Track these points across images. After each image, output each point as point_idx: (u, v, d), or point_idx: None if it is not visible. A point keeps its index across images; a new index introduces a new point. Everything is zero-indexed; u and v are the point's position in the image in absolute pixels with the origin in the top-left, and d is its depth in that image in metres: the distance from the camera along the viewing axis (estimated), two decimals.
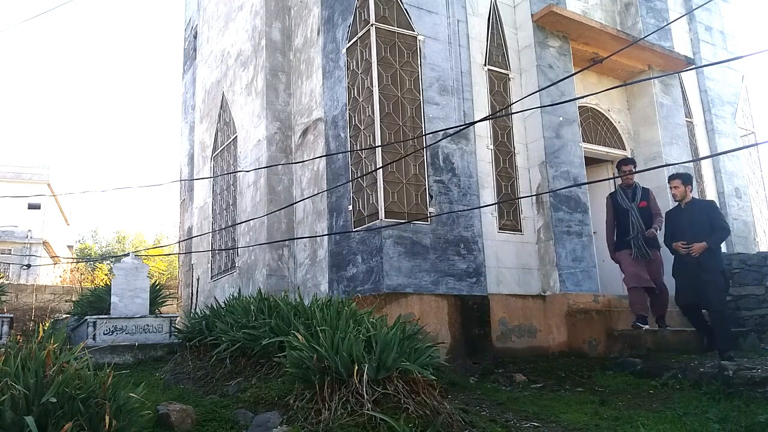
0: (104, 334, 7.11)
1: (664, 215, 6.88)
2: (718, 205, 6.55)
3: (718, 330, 5.86)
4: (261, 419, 3.92)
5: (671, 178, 6.32)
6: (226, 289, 9.49)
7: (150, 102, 74.41)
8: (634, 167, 7.13)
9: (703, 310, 6.24)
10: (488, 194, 7.43)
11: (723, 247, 9.62)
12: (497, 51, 8.08)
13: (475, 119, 7.27)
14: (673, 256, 6.51)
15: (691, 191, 6.19)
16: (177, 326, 7.40)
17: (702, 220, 5.96)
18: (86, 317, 7.37)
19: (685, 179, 6.15)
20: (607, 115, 9.29)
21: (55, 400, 2.94)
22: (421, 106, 6.93)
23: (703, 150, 9.96)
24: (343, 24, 7.52)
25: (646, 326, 6.64)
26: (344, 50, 7.44)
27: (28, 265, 21.98)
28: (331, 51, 7.82)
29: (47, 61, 77.16)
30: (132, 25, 77.69)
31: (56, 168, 54.17)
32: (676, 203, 6.44)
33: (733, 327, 6.29)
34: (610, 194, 7.25)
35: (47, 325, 6.48)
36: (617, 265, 7.41)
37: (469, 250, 6.85)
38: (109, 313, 7.46)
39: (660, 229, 6.83)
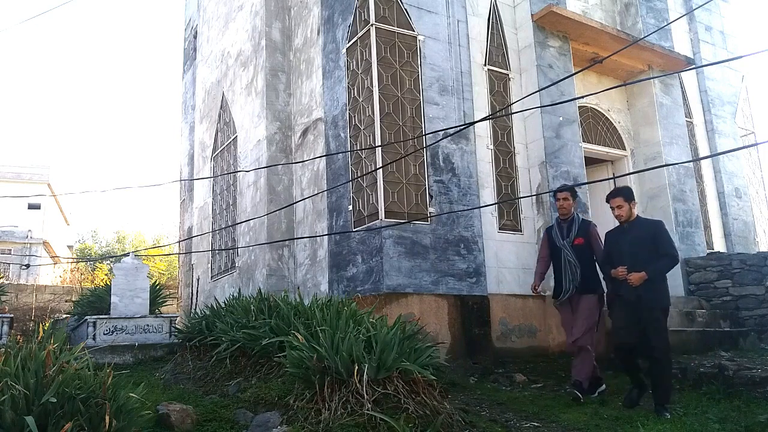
0: (104, 334, 7.10)
1: (603, 237, 5.45)
2: (666, 226, 5.15)
3: (659, 381, 4.71)
4: (261, 419, 3.92)
5: (611, 196, 5.06)
6: (226, 289, 9.49)
7: (150, 102, 74.46)
8: (572, 196, 5.68)
9: (639, 359, 4.98)
10: (488, 194, 7.43)
11: (722, 248, 9.68)
12: (497, 51, 8.08)
13: (475, 119, 7.27)
14: (609, 287, 5.20)
15: (635, 207, 5.06)
16: (177, 326, 7.40)
17: (646, 244, 4.84)
18: (86, 317, 7.36)
19: (627, 195, 5.01)
20: (607, 115, 9.29)
21: (55, 400, 2.94)
22: (421, 106, 6.93)
23: (703, 150, 9.96)
24: (343, 24, 7.52)
25: (581, 400, 5.13)
26: (344, 50, 7.44)
27: (28, 265, 21.97)
28: (331, 51, 7.82)
29: (47, 61, 77.21)
30: (132, 25, 77.73)
31: (56, 168, 54.28)
32: (618, 223, 5.16)
33: (672, 379, 5.00)
34: (548, 227, 6.00)
35: (47, 325, 6.49)
36: None
37: (469, 250, 6.85)
38: (109, 313, 7.45)
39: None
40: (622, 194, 5.02)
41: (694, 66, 9.48)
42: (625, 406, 4.84)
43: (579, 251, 5.48)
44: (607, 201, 5.09)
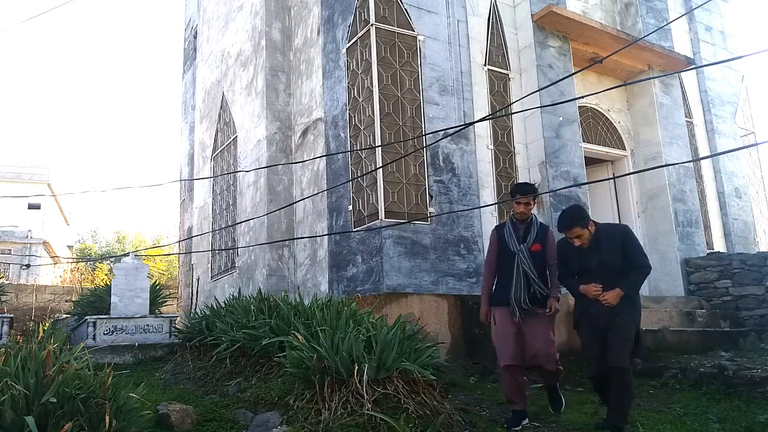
0: (104, 334, 7.10)
1: (556, 245, 4.66)
2: (633, 232, 4.41)
3: (618, 396, 4.06)
4: (261, 419, 3.92)
5: (564, 228, 4.25)
6: (226, 289, 9.49)
7: (150, 102, 74.44)
8: (533, 200, 4.74)
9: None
10: (488, 194, 7.43)
11: (722, 248, 9.67)
12: (497, 51, 8.08)
13: (475, 119, 7.27)
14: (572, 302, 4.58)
15: (593, 227, 4.26)
16: (177, 326, 7.40)
17: (616, 256, 4.14)
18: (86, 317, 7.36)
19: (584, 222, 4.20)
20: (607, 115, 9.29)
21: (55, 400, 2.95)
22: (421, 106, 6.93)
23: (703, 150, 9.96)
24: (343, 24, 7.52)
25: (518, 428, 4.38)
26: (344, 50, 7.44)
27: (28, 265, 21.98)
28: (331, 51, 7.83)
29: (47, 61, 77.21)
30: (132, 25, 77.73)
31: (56, 168, 54.30)
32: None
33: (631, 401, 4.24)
34: (496, 226, 5.01)
35: (47, 325, 6.49)
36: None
37: (469, 250, 6.85)
38: (109, 313, 7.45)
39: (559, 296, 4.65)
40: (577, 224, 4.19)
41: (694, 66, 9.49)
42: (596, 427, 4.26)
43: (535, 258, 4.60)
44: (560, 231, 4.31)
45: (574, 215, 4.25)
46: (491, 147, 7.67)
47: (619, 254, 4.16)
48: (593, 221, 4.30)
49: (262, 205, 8.58)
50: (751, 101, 11.22)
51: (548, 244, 4.71)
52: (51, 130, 70.92)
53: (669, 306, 7.69)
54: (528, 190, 4.73)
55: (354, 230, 6.89)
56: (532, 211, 4.75)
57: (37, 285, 15.79)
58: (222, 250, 10.13)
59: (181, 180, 13.16)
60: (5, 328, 7.47)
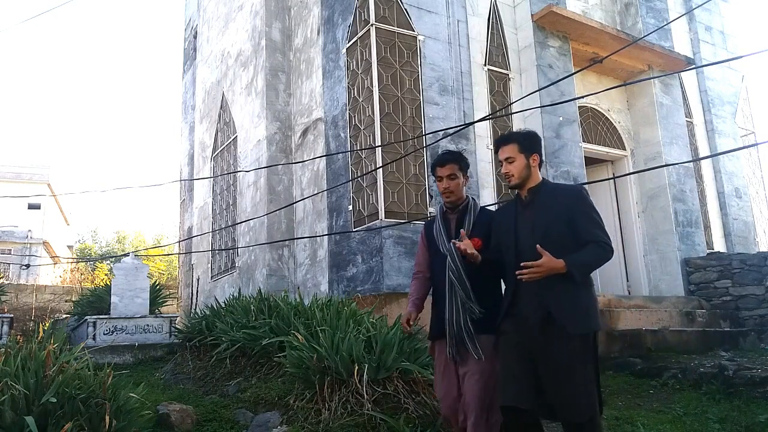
0: (104, 334, 7.10)
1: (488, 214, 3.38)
2: (589, 197, 2.90)
3: None
4: (261, 419, 3.92)
5: (501, 142, 2.99)
6: (226, 289, 9.50)
7: (150, 102, 74.42)
8: (462, 168, 3.28)
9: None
10: (488, 194, 7.43)
11: (722, 248, 9.67)
12: (497, 51, 8.08)
13: (475, 119, 7.27)
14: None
15: (537, 163, 2.91)
16: (177, 326, 7.40)
17: (559, 223, 2.76)
18: (86, 317, 7.36)
19: (526, 144, 2.91)
20: (607, 115, 9.29)
21: (55, 400, 2.95)
22: (421, 106, 6.93)
23: (703, 150, 9.96)
24: (343, 24, 7.52)
25: None
26: (344, 50, 7.44)
27: (28, 265, 21.98)
28: (331, 51, 7.83)
29: (47, 61, 77.21)
30: (132, 25, 77.73)
31: (56, 168, 54.23)
32: (512, 190, 3.21)
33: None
34: (428, 222, 3.53)
35: (47, 325, 6.49)
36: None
37: None
38: (109, 313, 7.45)
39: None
40: (516, 140, 2.93)
41: (694, 66, 9.48)
42: None
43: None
44: (496, 152, 3.04)
45: (519, 131, 3.13)
46: (491, 147, 7.67)
47: (562, 221, 2.75)
48: (544, 179, 2.95)
49: (262, 205, 8.58)
50: (751, 101, 11.22)
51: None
52: (51, 130, 70.94)
53: (669, 306, 7.69)
54: (446, 157, 3.29)
55: (354, 230, 6.89)
56: (464, 190, 3.30)
57: (37, 285, 15.78)
58: (222, 250, 10.13)
59: (181, 180, 13.16)
60: (5, 328, 7.47)
